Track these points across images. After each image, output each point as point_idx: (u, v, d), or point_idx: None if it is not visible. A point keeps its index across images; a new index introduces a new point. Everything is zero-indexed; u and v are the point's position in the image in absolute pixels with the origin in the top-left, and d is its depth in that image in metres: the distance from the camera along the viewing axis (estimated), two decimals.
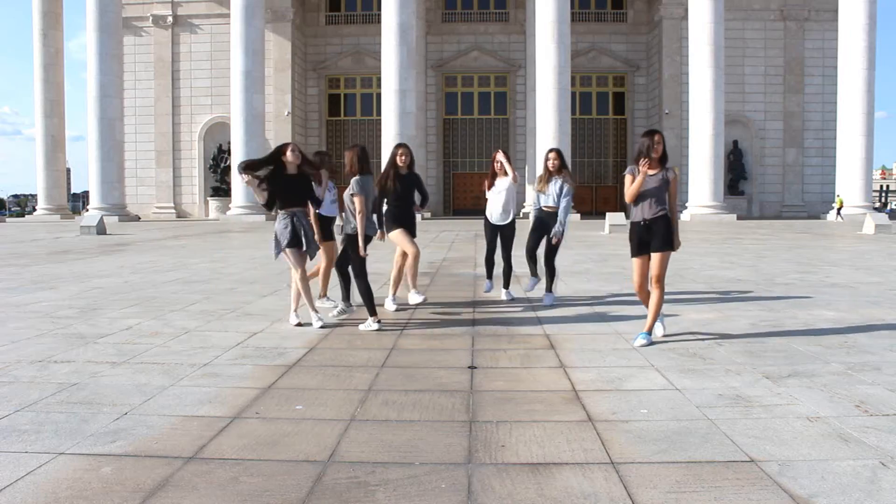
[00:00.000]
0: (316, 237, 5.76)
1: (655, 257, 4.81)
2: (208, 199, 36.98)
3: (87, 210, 33.48)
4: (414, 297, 6.06)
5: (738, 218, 30.18)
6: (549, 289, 6.66)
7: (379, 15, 31.33)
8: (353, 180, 5.46)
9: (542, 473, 2.57)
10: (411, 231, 6.21)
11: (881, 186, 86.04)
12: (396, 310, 6.28)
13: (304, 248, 5.47)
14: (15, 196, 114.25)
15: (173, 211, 37.24)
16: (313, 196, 5.57)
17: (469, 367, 4.19)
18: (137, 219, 32.87)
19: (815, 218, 33.13)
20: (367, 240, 5.52)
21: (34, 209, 41.99)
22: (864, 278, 8.89)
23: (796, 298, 7.06)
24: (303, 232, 5.43)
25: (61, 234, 20.66)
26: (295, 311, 5.67)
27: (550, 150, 6.72)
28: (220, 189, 36.43)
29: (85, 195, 64.67)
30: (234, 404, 3.45)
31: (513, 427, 3.08)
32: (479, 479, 2.52)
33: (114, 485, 2.47)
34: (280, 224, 5.41)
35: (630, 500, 2.34)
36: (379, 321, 5.43)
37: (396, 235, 6.14)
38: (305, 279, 5.53)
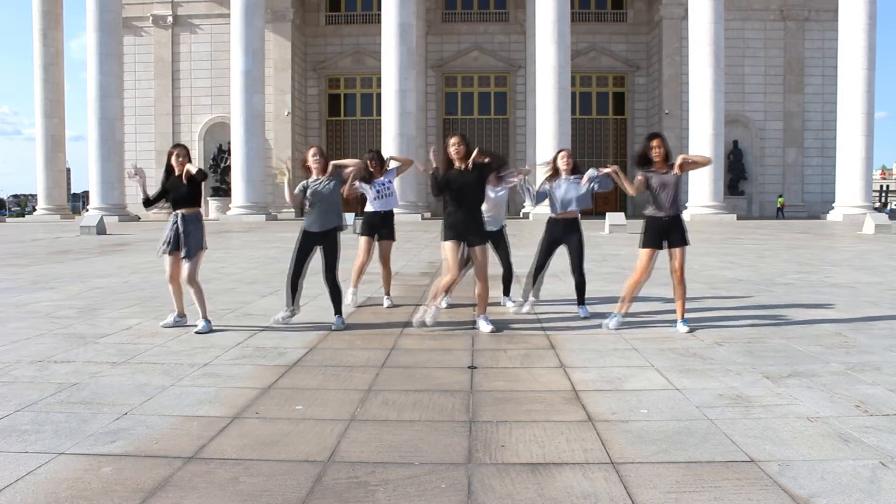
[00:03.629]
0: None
1: (678, 251, 5.26)
2: (208, 199, 36.94)
3: (87, 210, 33.46)
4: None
5: (738, 218, 30.16)
6: (582, 301, 6.04)
7: (379, 15, 31.32)
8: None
9: (542, 473, 2.57)
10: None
11: (881, 186, 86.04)
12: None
13: (183, 255, 5.34)
14: (15, 196, 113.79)
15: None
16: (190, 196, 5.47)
17: (469, 367, 4.19)
18: (137, 219, 32.83)
19: (815, 218, 33.12)
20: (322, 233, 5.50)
21: (34, 209, 41.97)
22: (864, 278, 8.88)
23: (796, 298, 7.05)
24: (182, 236, 5.33)
25: (61, 234, 20.65)
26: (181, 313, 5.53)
27: (561, 150, 6.13)
28: (220, 189, 36.42)
29: (85, 195, 64.60)
30: (234, 404, 3.44)
31: (513, 427, 3.08)
32: (479, 479, 2.52)
33: (114, 485, 2.47)
34: (167, 225, 5.45)
35: (630, 500, 2.34)
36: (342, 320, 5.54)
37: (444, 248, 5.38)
38: (177, 284, 5.46)
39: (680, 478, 2.51)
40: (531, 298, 6.27)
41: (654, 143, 5.24)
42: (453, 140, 5.19)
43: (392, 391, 3.68)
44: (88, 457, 2.74)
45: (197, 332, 5.23)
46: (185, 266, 5.34)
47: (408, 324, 5.70)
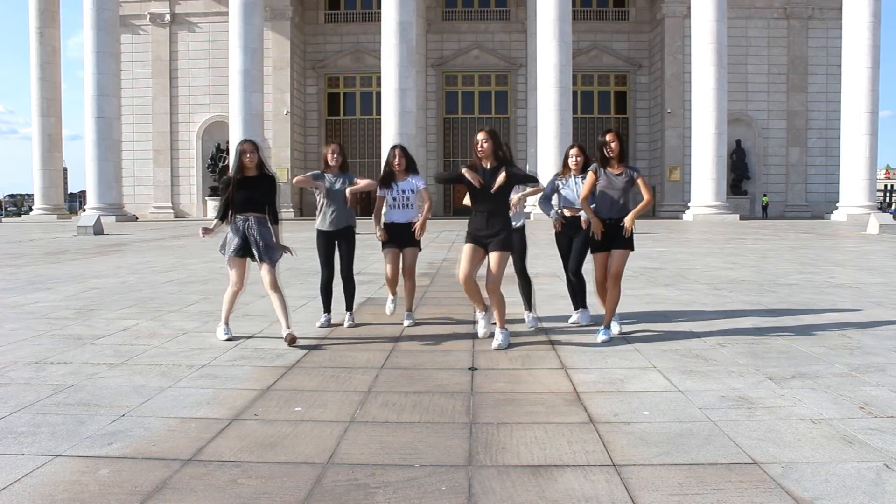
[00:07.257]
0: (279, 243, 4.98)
1: (616, 255, 4.95)
2: (206, 198, 36.88)
3: (84, 210, 33.44)
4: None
5: (741, 218, 30.12)
6: (583, 304, 5.63)
7: (379, 13, 31.30)
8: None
9: (543, 475, 2.54)
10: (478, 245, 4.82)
11: (885, 186, 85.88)
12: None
13: (258, 258, 4.86)
14: (11, 196, 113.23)
15: (171, 211, 37.15)
16: (271, 199, 4.94)
17: (469, 369, 4.17)
18: (135, 219, 32.83)
19: (819, 218, 33.07)
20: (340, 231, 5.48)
21: (31, 209, 41.99)
22: (868, 279, 8.85)
23: (800, 299, 7.03)
24: (254, 239, 4.85)
25: (58, 235, 20.64)
26: (225, 321, 5.07)
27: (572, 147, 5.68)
28: (219, 189, 36.34)
29: (82, 195, 64.53)
30: (232, 406, 3.42)
31: (514, 429, 3.06)
32: (479, 481, 2.50)
33: (111, 487, 2.44)
34: (231, 227, 4.92)
35: (632, 502, 2.31)
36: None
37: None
38: (236, 292, 5.00)
39: (682, 480, 2.49)
40: (583, 312, 5.67)
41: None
42: (481, 136, 4.83)
43: (392, 392, 3.65)
44: (85, 459, 2.71)
45: (302, 346, 4.74)
46: (268, 272, 4.86)
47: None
